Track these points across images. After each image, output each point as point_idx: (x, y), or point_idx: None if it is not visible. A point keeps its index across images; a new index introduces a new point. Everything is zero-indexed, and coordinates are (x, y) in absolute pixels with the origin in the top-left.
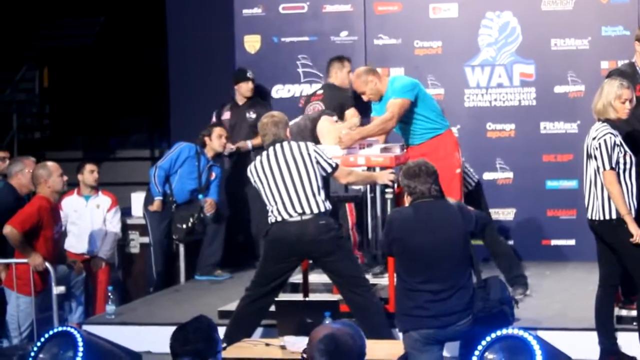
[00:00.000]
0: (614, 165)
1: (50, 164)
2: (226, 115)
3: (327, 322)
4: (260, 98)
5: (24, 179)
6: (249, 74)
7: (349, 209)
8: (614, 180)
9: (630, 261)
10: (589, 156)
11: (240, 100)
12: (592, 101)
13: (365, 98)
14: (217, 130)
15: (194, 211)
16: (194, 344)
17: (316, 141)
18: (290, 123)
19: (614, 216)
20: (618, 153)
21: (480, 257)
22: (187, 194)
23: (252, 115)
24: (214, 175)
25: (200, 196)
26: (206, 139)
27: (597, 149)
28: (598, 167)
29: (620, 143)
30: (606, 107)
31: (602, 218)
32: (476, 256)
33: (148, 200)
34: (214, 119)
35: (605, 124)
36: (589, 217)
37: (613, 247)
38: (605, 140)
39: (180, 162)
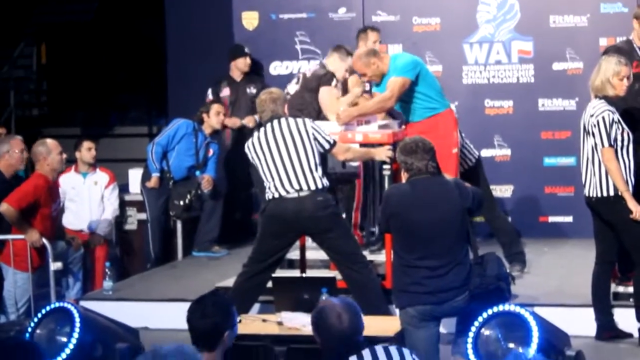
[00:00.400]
0: (612, 143)
1: (49, 141)
2: (225, 92)
3: (331, 298)
4: (255, 74)
5: (12, 159)
6: (247, 50)
7: (358, 187)
8: (612, 157)
9: (628, 237)
10: (586, 133)
11: (238, 77)
12: (590, 78)
13: (365, 79)
14: (215, 107)
15: (192, 188)
16: (213, 317)
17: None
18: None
19: (611, 193)
20: (616, 130)
21: (484, 233)
22: (185, 170)
23: (252, 90)
24: (211, 152)
25: (197, 173)
26: (204, 115)
27: (595, 126)
28: (596, 144)
29: (618, 120)
30: (604, 84)
31: (599, 195)
32: (473, 233)
33: (145, 177)
34: (210, 97)
35: (602, 101)
36: (587, 194)
37: (611, 224)
38: (603, 118)
39: (177, 138)
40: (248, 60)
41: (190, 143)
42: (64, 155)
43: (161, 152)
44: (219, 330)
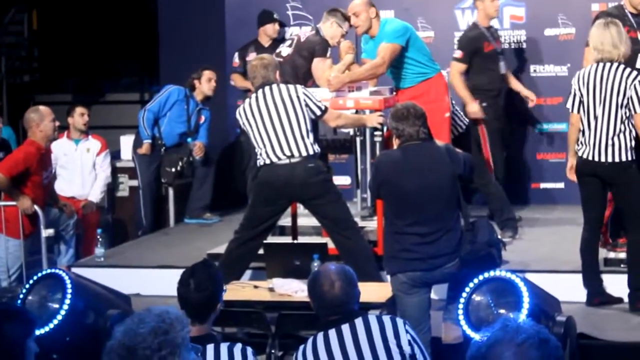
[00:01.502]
0: None
1: (42, 108)
2: (252, 56)
3: (330, 264)
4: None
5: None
6: (276, 15)
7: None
8: None
9: (635, 203)
10: (613, 95)
11: (266, 42)
12: (582, 44)
13: (352, 22)
14: (207, 74)
15: (183, 154)
16: (209, 290)
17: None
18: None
19: (629, 157)
20: None
21: (480, 200)
22: (176, 137)
23: None
24: (203, 118)
25: (189, 139)
26: (195, 82)
27: (632, 89)
28: (634, 108)
29: None
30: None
31: (612, 160)
32: (464, 199)
33: (137, 144)
34: (236, 60)
35: (624, 65)
36: (593, 159)
37: (618, 188)
38: None
39: (169, 105)
40: (277, 26)
41: (182, 110)
42: (57, 123)
43: (152, 119)
44: (213, 303)
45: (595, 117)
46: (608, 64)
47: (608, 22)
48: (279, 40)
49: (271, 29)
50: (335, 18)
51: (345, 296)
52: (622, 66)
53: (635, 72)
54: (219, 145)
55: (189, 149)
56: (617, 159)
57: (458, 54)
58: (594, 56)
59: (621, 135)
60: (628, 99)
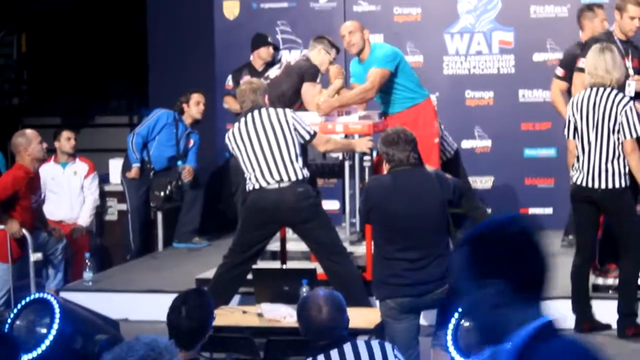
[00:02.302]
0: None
1: (28, 131)
2: (245, 80)
3: (319, 289)
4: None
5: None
6: (270, 39)
7: None
8: (637, 149)
9: (628, 229)
10: (605, 121)
11: (260, 66)
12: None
13: (346, 40)
14: (195, 97)
15: (172, 178)
16: (199, 319)
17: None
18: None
19: (622, 184)
20: None
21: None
22: (165, 161)
23: None
24: (192, 142)
25: (178, 163)
26: (184, 105)
27: (623, 115)
28: (624, 133)
29: None
30: (622, 77)
31: (605, 187)
32: (454, 225)
33: (126, 167)
34: (229, 83)
35: (617, 91)
36: (587, 185)
37: (612, 215)
38: (631, 108)
39: (158, 128)
40: (271, 49)
41: (171, 133)
42: (45, 145)
43: (141, 143)
44: (202, 331)
45: (589, 143)
46: (601, 89)
47: (603, 48)
48: (272, 63)
49: (265, 53)
50: (323, 45)
51: (333, 322)
52: (614, 91)
53: (627, 98)
54: (208, 169)
55: (178, 173)
56: (610, 185)
57: (559, 71)
58: (587, 81)
59: (615, 161)
60: (619, 124)
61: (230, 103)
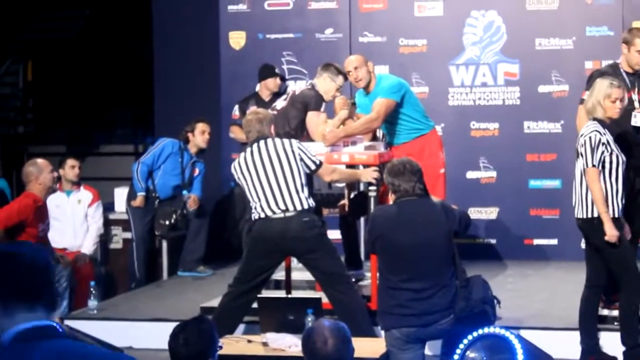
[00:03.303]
0: (596, 163)
1: (40, 161)
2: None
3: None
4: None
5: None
6: (277, 70)
7: None
8: (596, 179)
9: (611, 260)
10: (577, 154)
11: (266, 96)
12: (575, 101)
13: (353, 76)
14: (200, 126)
15: (177, 207)
16: (197, 346)
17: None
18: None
19: (595, 215)
20: (603, 152)
21: (471, 255)
22: (170, 189)
23: None
24: (197, 171)
25: (183, 192)
26: (189, 134)
27: (582, 146)
28: (583, 165)
29: (607, 142)
30: (595, 106)
31: (585, 216)
32: (459, 255)
33: (131, 196)
34: (236, 113)
35: (595, 122)
36: (576, 216)
37: (596, 246)
38: (590, 138)
39: (163, 158)
40: (278, 80)
41: (176, 162)
42: (55, 174)
43: (146, 171)
44: (203, 358)
45: (575, 173)
46: (590, 121)
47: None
48: (279, 94)
49: (272, 83)
50: (329, 72)
51: (338, 353)
52: (588, 123)
53: (590, 128)
54: (213, 198)
55: (183, 202)
56: (587, 215)
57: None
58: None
59: (583, 190)
60: (580, 154)
61: (236, 133)
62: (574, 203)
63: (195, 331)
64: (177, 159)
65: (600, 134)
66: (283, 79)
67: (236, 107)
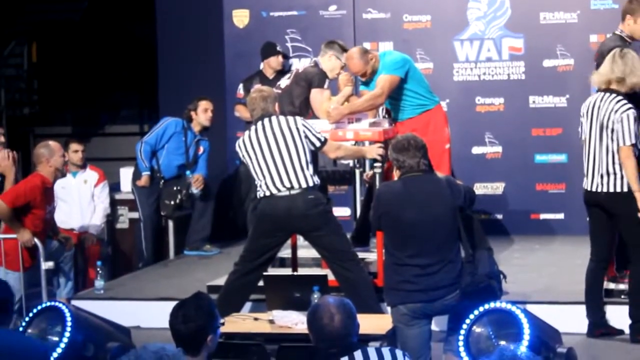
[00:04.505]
0: (635, 141)
1: (52, 143)
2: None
3: (328, 297)
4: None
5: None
6: (279, 48)
7: None
8: (631, 155)
9: (631, 233)
10: (602, 127)
11: (270, 74)
12: (581, 75)
13: (364, 79)
14: (203, 104)
15: (182, 187)
16: (196, 321)
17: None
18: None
19: (625, 189)
20: (637, 128)
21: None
22: (175, 169)
23: None
24: (201, 149)
25: (188, 172)
26: (192, 113)
27: (618, 122)
28: (618, 141)
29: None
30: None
31: (613, 190)
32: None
33: (136, 176)
34: (241, 92)
35: (620, 97)
36: (593, 189)
37: (617, 219)
38: (628, 115)
39: (166, 137)
40: (280, 58)
41: (180, 141)
42: (66, 157)
43: (150, 151)
44: (202, 335)
45: (594, 147)
46: (607, 95)
47: (622, 53)
48: (283, 72)
49: (275, 62)
50: (333, 50)
51: (344, 329)
52: (617, 97)
53: (626, 106)
54: (218, 176)
55: (188, 182)
56: (612, 189)
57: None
58: (597, 84)
59: (616, 166)
60: (615, 131)
61: (241, 111)
62: (591, 175)
63: (193, 308)
64: (180, 138)
65: (635, 110)
66: (286, 57)
67: (241, 86)
